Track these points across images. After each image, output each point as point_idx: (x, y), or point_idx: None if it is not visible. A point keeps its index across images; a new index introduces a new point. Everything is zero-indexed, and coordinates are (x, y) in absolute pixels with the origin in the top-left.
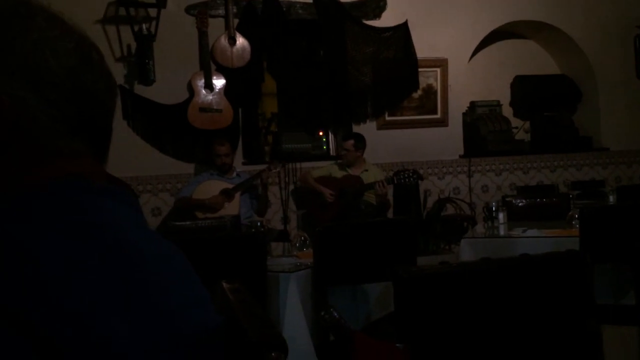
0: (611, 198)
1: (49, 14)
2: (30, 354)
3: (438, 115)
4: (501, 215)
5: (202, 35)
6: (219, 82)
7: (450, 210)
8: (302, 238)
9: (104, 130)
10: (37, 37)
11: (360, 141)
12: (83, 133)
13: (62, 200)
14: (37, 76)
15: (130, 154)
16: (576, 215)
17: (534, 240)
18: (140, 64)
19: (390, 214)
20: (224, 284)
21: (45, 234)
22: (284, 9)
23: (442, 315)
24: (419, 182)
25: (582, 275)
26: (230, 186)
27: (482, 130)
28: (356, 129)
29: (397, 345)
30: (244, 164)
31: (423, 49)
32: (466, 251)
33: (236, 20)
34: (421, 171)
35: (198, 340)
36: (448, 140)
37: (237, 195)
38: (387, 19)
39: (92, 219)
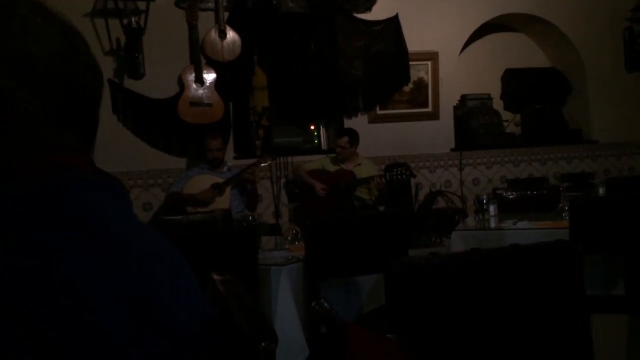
0: (600, 190)
1: (30, 1)
2: (31, 354)
3: (429, 109)
4: (492, 208)
5: (192, 28)
6: (209, 76)
7: (441, 203)
8: (294, 231)
9: (91, 121)
10: (19, 24)
11: (354, 137)
12: (70, 123)
13: (56, 194)
14: (21, 64)
15: (120, 149)
16: (566, 207)
17: (525, 232)
18: (130, 57)
19: (381, 208)
20: (215, 276)
21: (41, 230)
22: (274, 2)
23: (433, 306)
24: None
25: (572, 264)
26: (221, 180)
27: (473, 124)
28: (347, 122)
29: (389, 336)
30: (235, 158)
31: (414, 42)
32: (457, 243)
33: (226, 14)
34: (412, 165)
35: (191, 332)
36: (439, 133)
37: (228, 189)
38: (378, 12)
39: (87, 213)
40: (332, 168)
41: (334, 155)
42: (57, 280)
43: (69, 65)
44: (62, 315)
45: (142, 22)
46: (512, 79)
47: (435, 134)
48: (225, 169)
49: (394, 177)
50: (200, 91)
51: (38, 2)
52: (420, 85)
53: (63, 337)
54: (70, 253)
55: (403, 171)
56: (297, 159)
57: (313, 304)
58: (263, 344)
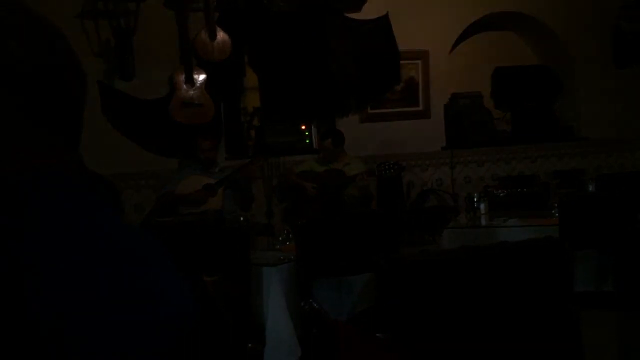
0: (591, 187)
1: (10, 2)
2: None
3: (420, 108)
4: (483, 206)
5: (182, 29)
6: (200, 77)
7: (433, 201)
8: (286, 231)
9: (74, 121)
10: None
11: (338, 137)
12: (52, 124)
13: (38, 194)
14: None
15: (111, 150)
16: (556, 204)
17: (515, 229)
18: (120, 59)
19: (373, 206)
20: (206, 277)
21: (24, 230)
22: (265, 1)
23: (424, 303)
24: (402, 173)
25: (561, 260)
26: (213, 181)
27: (464, 122)
28: (339, 122)
29: (379, 335)
30: (227, 158)
31: (404, 41)
32: (449, 241)
33: (216, 14)
34: (404, 163)
35: (175, 328)
36: (430, 132)
37: (220, 190)
38: (368, 12)
39: (69, 214)
40: (320, 169)
41: (322, 156)
42: (39, 280)
43: (49, 65)
44: (46, 314)
45: (132, 23)
46: (503, 77)
47: (427, 133)
48: (217, 169)
49: (384, 172)
50: (191, 92)
51: (18, 2)
52: (411, 84)
53: (46, 335)
54: (51, 253)
55: (392, 165)
56: (289, 159)
57: (302, 304)
58: (250, 345)
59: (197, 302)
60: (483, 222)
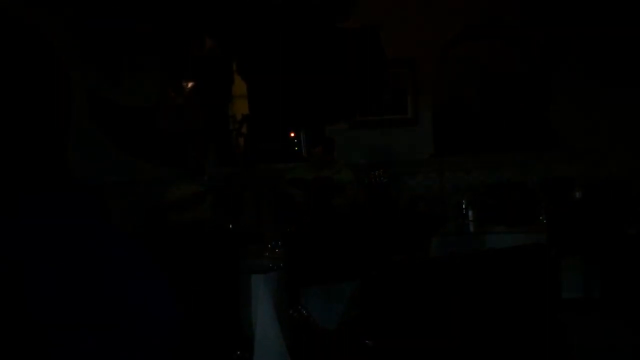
0: (578, 194)
1: None
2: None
3: (408, 115)
4: (471, 213)
5: (172, 36)
6: (188, 84)
7: (421, 208)
8: (275, 239)
9: (60, 126)
10: None
11: (329, 145)
12: (36, 131)
13: (20, 202)
14: None
15: (98, 159)
16: (544, 212)
17: (503, 236)
18: (109, 65)
19: (363, 214)
20: (195, 285)
21: (5, 239)
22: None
23: (412, 310)
24: (390, 181)
25: (548, 266)
26: (202, 189)
27: (453, 129)
28: (328, 129)
29: (367, 342)
30: (215, 166)
31: (392, 49)
32: (437, 249)
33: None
34: (392, 171)
35: (157, 335)
36: (419, 139)
37: (210, 198)
38: (357, 21)
39: (52, 222)
40: (310, 176)
41: (312, 163)
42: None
43: (28, 68)
44: (29, 323)
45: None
46: (492, 84)
47: (415, 140)
48: (206, 177)
49: (373, 181)
50: (180, 99)
51: None
52: (400, 91)
53: (28, 345)
54: (31, 262)
55: (381, 173)
56: (278, 166)
57: (291, 312)
58: (238, 353)
59: (181, 310)
60: (471, 229)
